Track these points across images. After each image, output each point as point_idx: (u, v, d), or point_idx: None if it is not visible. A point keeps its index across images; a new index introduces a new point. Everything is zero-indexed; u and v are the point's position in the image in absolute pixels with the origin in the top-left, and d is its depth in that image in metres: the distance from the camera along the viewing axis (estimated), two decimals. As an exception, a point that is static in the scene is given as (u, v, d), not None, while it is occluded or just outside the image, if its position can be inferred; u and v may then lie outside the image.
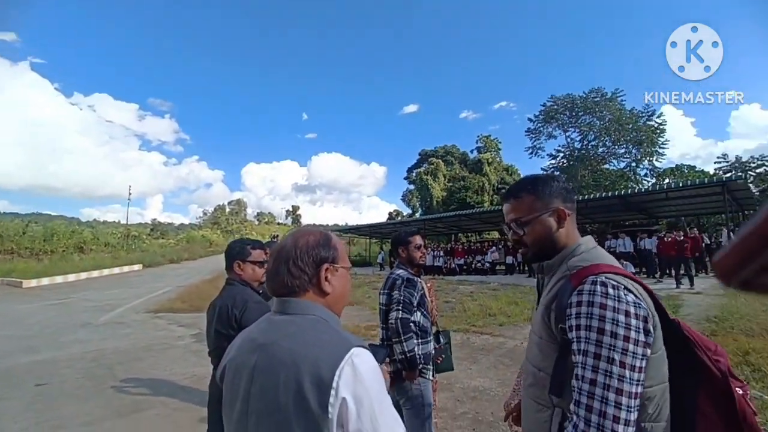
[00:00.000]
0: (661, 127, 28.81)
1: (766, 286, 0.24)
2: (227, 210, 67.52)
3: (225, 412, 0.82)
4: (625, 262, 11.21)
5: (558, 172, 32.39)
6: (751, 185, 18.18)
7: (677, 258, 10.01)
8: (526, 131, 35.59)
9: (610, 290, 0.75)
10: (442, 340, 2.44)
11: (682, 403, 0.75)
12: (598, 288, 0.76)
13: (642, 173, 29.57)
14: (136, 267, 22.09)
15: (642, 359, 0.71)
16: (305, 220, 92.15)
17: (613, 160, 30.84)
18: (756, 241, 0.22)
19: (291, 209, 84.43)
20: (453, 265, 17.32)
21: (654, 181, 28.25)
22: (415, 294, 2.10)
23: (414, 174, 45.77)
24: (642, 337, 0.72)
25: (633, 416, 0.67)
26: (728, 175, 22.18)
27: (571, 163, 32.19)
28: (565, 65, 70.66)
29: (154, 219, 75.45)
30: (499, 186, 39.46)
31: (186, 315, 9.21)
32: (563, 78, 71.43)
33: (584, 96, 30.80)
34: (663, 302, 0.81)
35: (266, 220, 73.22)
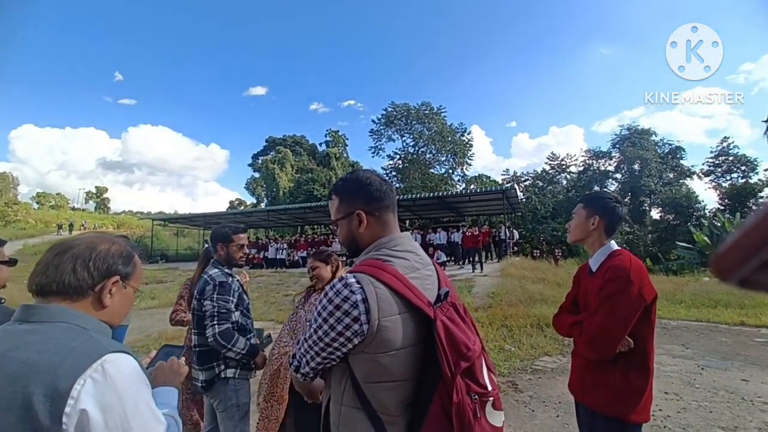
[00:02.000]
0: (470, 143, 36.17)
1: (765, 284, 0.23)
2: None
3: None
4: (439, 252, 13.57)
5: (394, 173, 36.41)
6: (519, 193, 24.72)
7: (473, 248, 12.75)
8: (369, 132, 38.41)
9: (339, 285, 0.89)
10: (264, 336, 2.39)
11: (421, 399, 0.88)
12: (337, 284, 0.90)
13: (456, 179, 36.31)
14: None
15: (329, 342, 0.88)
16: (117, 206, 74.18)
17: (437, 166, 36.77)
18: (754, 238, 0.22)
19: (95, 191, 66.63)
20: (296, 258, 17.20)
21: (464, 185, 35.07)
22: (231, 298, 1.98)
23: (260, 161, 43.09)
24: (338, 327, 0.86)
25: (310, 366, 0.95)
26: (508, 185, 29.51)
27: (406, 165, 36.61)
28: (414, 73, 79.46)
29: None
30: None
31: None
32: (409, 85, 80.00)
33: (417, 107, 35.65)
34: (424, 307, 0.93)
35: (53, 203, 54.84)
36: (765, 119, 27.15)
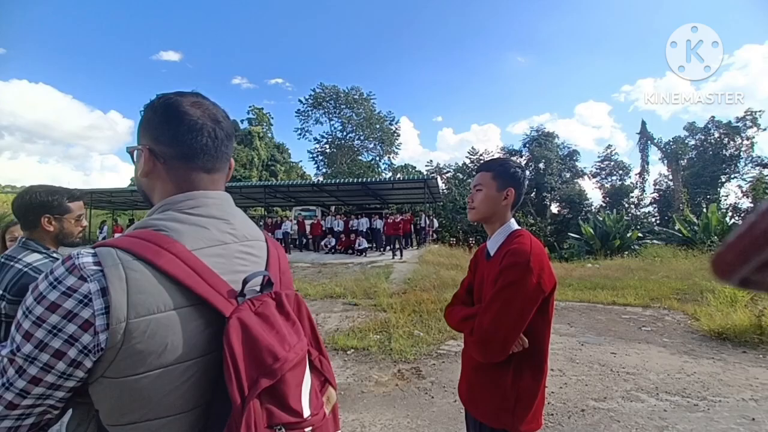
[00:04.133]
0: (397, 132, 36.70)
1: (765, 284, 0.23)
2: None
3: None
4: (360, 239, 13.44)
5: (321, 157, 35.40)
6: (441, 183, 25.83)
7: (394, 236, 12.88)
8: (296, 112, 36.70)
9: (61, 270, 0.54)
10: None
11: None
12: (58, 267, 0.55)
13: (383, 167, 36.65)
14: None
15: (38, 376, 0.53)
16: (-29, 178, 59.65)
17: (365, 153, 36.67)
18: (753, 239, 0.22)
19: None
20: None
21: (390, 174, 35.61)
22: None
23: (168, 135, 38.33)
24: (54, 343, 0.52)
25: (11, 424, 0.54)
26: (433, 175, 30.69)
27: (333, 150, 35.82)
28: (347, 58, 77.27)
29: None
30: (269, 163, 39.14)
31: None
32: (342, 69, 77.69)
33: (347, 91, 34.91)
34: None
35: None
36: (638, 131, 32.54)
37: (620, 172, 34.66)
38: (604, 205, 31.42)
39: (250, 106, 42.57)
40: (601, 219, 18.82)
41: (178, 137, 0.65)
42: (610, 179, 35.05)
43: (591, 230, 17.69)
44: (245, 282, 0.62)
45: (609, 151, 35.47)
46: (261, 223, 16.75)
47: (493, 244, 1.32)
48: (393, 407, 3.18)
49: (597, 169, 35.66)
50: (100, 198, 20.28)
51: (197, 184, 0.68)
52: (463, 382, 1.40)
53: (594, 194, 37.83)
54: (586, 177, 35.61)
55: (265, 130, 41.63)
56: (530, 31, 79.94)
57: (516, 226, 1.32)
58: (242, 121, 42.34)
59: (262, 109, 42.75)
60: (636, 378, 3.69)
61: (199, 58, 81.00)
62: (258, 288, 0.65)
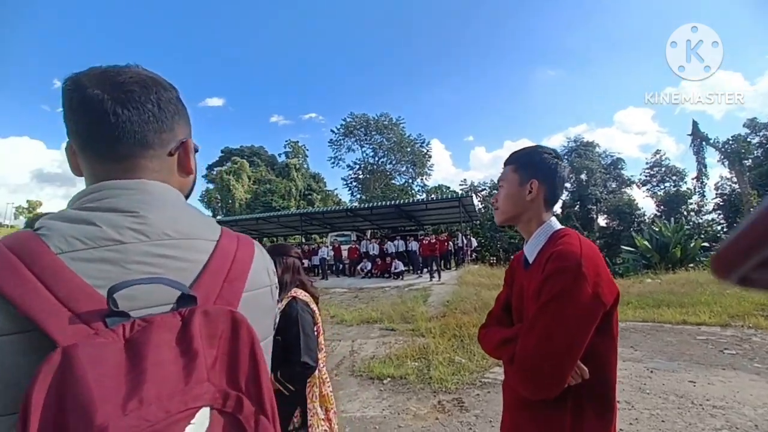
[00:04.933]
0: (428, 154, 36.74)
1: (764, 282, 0.23)
2: None
3: None
4: (396, 261, 13.19)
5: (355, 183, 36.11)
6: (477, 201, 25.11)
7: (431, 257, 12.50)
8: (329, 142, 37.95)
9: None
10: None
11: None
12: None
13: (416, 189, 36.56)
14: None
15: None
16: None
17: (398, 176, 36.91)
18: (752, 237, 0.21)
19: (27, 205, 60.14)
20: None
21: (424, 196, 35.41)
22: None
23: (215, 172, 41.07)
24: None
25: None
26: (468, 195, 30.05)
27: (366, 175, 36.43)
28: (375, 88, 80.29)
29: None
30: (305, 192, 40.56)
31: None
32: (371, 99, 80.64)
33: (376, 118, 35.78)
34: None
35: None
36: (689, 133, 30.08)
37: (674, 177, 31.95)
38: (658, 214, 28.85)
39: (286, 141, 44.96)
40: (657, 229, 17.22)
41: (77, 123, 0.53)
42: (662, 186, 32.40)
43: (646, 242, 16.19)
44: (110, 293, 0.41)
45: (658, 156, 33.01)
46: (300, 250, 17.04)
47: (531, 249, 1.06)
48: (433, 445, 2.85)
49: (646, 176, 33.19)
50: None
51: (107, 175, 0.53)
52: (507, 423, 1.10)
53: (646, 203, 35.03)
54: (634, 186, 33.24)
55: (301, 161, 43.46)
56: (558, 43, 78.81)
57: (558, 226, 1.05)
58: (280, 155, 44.68)
59: (297, 142, 44.96)
60: (727, 413, 3.08)
61: (240, 101, 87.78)
62: (173, 304, 0.46)
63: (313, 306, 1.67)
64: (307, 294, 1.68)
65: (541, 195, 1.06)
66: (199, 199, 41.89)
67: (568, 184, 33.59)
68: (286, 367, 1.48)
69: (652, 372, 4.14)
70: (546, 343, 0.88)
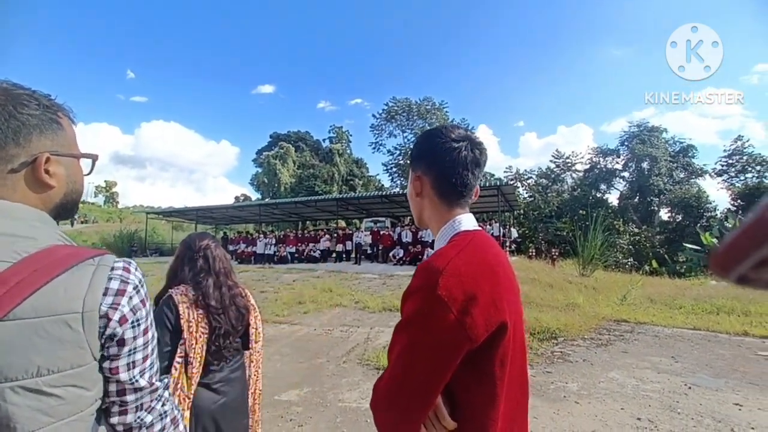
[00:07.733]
0: (474, 139, 35.42)
1: (764, 281, 0.23)
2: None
3: None
4: (428, 250, 12.98)
5: (395, 168, 35.87)
6: (521, 189, 23.91)
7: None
8: (370, 127, 37.89)
9: None
10: None
11: None
12: None
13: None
14: None
15: None
16: (130, 201, 74.92)
17: (440, 163, 36.15)
18: (753, 236, 0.21)
19: (104, 185, 67.22)
20: (285, 253, 16.78)
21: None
22: None
23: (263, 157, 42.95)
24: None
25: None
26: (509, 182, 28.73)
27: (407, 161, 36.06)
28: (421, 71, 78.72)
29: None
30: (348, 177, 41.11)
31: None
32: (417, 83, 79.44)
33: (419, 102, 34.96)
34: None
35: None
36: (783, 116, 25.80)
37: (758, 168, 27.77)
38: (734, 209, 25.44)
39: (330, 126, 45.61)
40: (730, 226, 15.25)
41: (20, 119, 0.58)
42: (742, 177, 28.42)
43: (714, 240, 14.42)
44: None
45: (740, 143, 28.79)
46: (335, 235, 17.39)
47: None
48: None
49: (723, 165, 29.21)
50: (201, 214, 23.38)
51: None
52: None
53: (719, 196, 31.09)
54: (707, 176, 29.55)
55: (344, 147, 43.96)
56: (626, 20, 71.08)
57: (465, 227, 0.81)
58: (324, 140, 45.51)
59: (341, 127, 45.40)
60: (772, 446, 2.63)
61: (290, 89, 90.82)
62: None
63: (183, 306, 1.43)
64: (186, 294, 1.46)
65: (428, 186, 0.84)
66: (249, 183, 44.31)
67: (626, 173, 30.70)
68: None
69: (690, 388, 3.66)
70: (399, 377, 0.69)
